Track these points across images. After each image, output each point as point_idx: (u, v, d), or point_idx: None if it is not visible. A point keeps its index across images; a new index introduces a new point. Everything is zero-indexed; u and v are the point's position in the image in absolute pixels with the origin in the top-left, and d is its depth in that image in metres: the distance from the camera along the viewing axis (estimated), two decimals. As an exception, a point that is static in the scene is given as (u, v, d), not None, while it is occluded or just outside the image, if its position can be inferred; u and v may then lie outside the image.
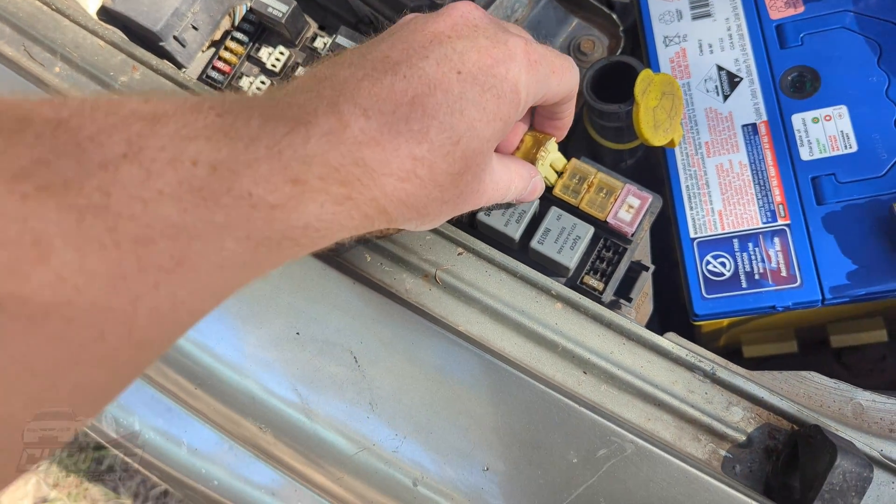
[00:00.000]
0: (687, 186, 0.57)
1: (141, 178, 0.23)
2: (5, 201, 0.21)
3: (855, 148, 0.54)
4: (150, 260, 0.23)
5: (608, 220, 0.48)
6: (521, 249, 0.50)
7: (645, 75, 0.51)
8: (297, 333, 0.45)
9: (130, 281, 0.23)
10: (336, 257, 0.47)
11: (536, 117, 0.47)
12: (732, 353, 0.70)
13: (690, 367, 0.45)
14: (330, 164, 0.29)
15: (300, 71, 0.60)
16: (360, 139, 0.30)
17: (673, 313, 0.61)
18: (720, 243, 0.54)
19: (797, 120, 0.56)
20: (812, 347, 0.68)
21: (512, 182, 0.43)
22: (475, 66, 0.34)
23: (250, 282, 0.29)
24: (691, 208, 0.56)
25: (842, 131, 0.54)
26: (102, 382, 0.24)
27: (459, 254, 0.48)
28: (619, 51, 0.61)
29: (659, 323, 0.68)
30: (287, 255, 0.29)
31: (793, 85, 0.57)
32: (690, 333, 0.62)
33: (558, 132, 0.48)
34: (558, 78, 0.39)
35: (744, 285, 0.53)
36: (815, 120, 0.55)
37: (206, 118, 0.26)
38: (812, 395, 0.45)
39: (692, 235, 0.55)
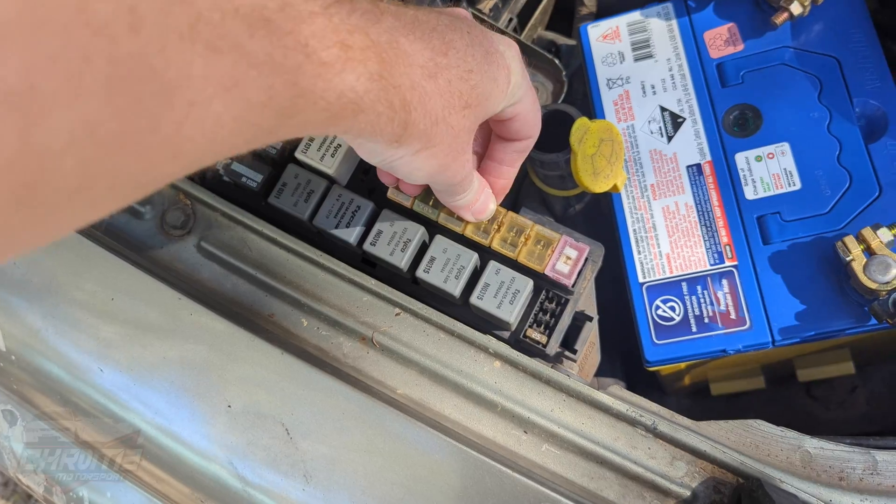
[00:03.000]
0: (634, 230, 0.56)
1: None
2: None
3: (799, 185, 0.53)
4: (214, 70, 0.24)
5: (546, 271, 0.48)
6: (465, 305, 0.49)
7: (580, 123, 0.51)
8: (229, 406, 0.44)
9: (194, 83, 0.23)
10: (270, 326, 0.47)
11: (482, 172, 0.47)
12: (700, 392, 0.69)
13: (632, 423, 0.44)
14: (371, 38, 0.31)
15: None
16: (395, 27, 0.33)
17: (639, 360, 0.60)
18: (669, 287, 0.54)
19: (741, 159, 0.55)
20: (780, 382, 0.67)
21: (474, 177, 0.44)
22: (480, 37, 0.38)
23: (275, 140, 0.30)
24: (639, 252, 0.55)
25: (785, 169, 0.54)
26: (136, 174, 0.24)
27: (397, 314, 0.47)
28: (563, 96, 0.61)
29: (624, 369, 0.67)
30: (311, 123, 0.30)
31: (735, 123, 0.57)
32: (656, 377, 0.62)
33: (502, 181, 0.47)
34: (532, 101, 0.42)
35: (693, 329, 0.52)
36: (759, 158, 0.55)
37: None
38: (759, 444, 0.44)
39: (641, 280, 0.55)
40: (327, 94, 0.29)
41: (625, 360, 0.69)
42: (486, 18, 0.60)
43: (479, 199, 0.46)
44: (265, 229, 0.50)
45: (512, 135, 0.43)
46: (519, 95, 0.41)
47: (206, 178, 0.53)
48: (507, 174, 0.47)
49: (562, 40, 0.71)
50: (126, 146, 0.22)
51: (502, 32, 0.61)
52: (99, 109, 0.21)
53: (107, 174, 0.22)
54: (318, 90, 0.28)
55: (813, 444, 0.44)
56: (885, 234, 0.48)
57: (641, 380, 0.68)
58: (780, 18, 0.55)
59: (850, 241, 0.48)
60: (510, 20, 0.67)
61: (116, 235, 0.52)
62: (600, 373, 0.61)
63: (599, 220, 0.64)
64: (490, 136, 0.46)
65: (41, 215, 0.22)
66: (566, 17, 0.78)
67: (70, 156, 0.21)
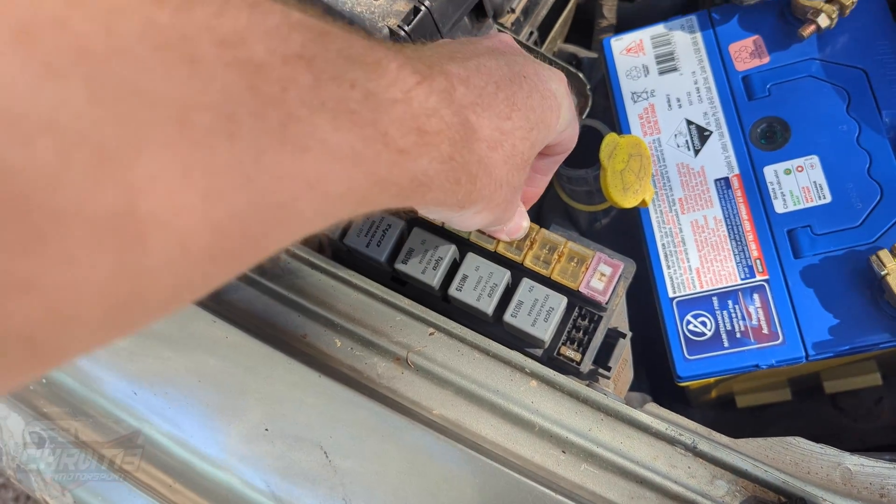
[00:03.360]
0: (663, 245, 0.56)
1: (311, 84, 0.24)
2: (213, 66, 0.20)
3: (829, 198, 0.53)
4: (302, 169, 0.23)
5: (580, 289, 0.47)
6: (497, 322, 0.49)
7: (610, 139, 0.51)
8: (266, 430, 0.44)
9: (283, 185, 0.23)
10: (304, 347, 0.46)
11: None
12: (726, 404, 0.69)
13: (671, 441, 0.44)
14: (445, 121, 0.31)
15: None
16: (464, 103, 0.33)
17: (664, 372, 0.60)
18: (699, 302, 0.54)
19: (769, 172, 0.55)
20: (806, 394, 0.67)
21: (519, 206, 0.45)
22: (535, 77, 0.38)
23: (345, 219, 0.30)
24: (668, 267, 0.55)
25: (815, 182, 0.54)
26: (213, 281, 0.23)
27: (431, 334, 0.47)
28: (588, 110, 0.61)
29: (649, 382, 0.67)
30: (385, 203, 0.30)
31: (763, 136, 0.57)
32: (681, 390, 0.61)
33: (535, 189, 0.48)
34: (575, 122, 0.42)
35: (725, 344, 0.52)
36: (788, 171, 0.55)
37: (361, 46, 0.27)
38: (798, 461, 0.44)
39: (671, 295, 0.54)
40: (401, 179, 0.29)
41: (650, 373, 0.68)
42: (508, 32, 0.60)
43: (513, 220, 0.46)
44: (295, 249, 0.50)
45: (552, 153, 0.44)
46: (566, 125, 0.41)
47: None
48: (541, 182, 0.47)
49: (583, 53, 0.71)
50: (215, 258, 0.22)
51: (526, 47, 0.61)
52: (195, 225, 0.20)
53: (194, 285, 0.22)
54: (393, 177, 0.28)
55: (853, 461, 0.44)
56: (919, 248, 0.48)
57: (666, 392, 0.68)
58: (808, 31, 0.55)
59: (884, 254, 0.48)
60: (531, 33, 0.67)
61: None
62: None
63: (624, 233, 0.63)
64: None
65: (129, 328, 0.21)
66: (584, 29, 0.78)
67: (165, 274, 0.20)
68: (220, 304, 0.49)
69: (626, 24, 0.72)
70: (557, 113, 0.38)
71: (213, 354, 0.46)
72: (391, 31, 0.47)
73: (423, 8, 0.47)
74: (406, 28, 0.46)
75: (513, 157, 0.36)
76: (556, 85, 0.39)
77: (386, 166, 0.27)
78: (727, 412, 0.71)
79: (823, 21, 0.55)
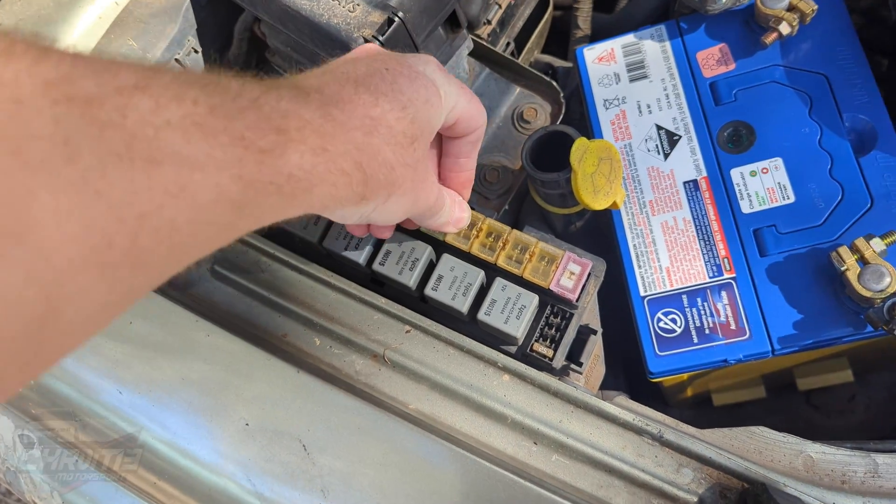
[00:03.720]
0: (634, 245, 0.58)
1: (151, 107, 0.26)
2: (40, 102, 0.23)
3: (793, 199, 0.55)
4: (158, 181, 0.25)
5: (551, 287, 0.49)
6: (472, 321, 0.51)
7: (580, 144, 0.52)
8: (247, 424, 0.45)
9: (140, 197, 0.25)
10: (284, 345, 0.48)
11: (442, 171, 0.49)
12: (703, 403, 0.70)
13: (639, 431, 0.45)
14: (304, 118, 0.33)
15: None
16: (322, 101, 0.35)
17: (643, 373, 0.61)
18: (670, 300, 0.55)
19: (736, 174, 0.57)
20: (781, 391, 0.69)
21: (443, 193, 0.46)
22: (399, 66, 0.40)
23: (238, 234, 0.31)
24: (639, 266, 0.57)
25: (779, 183, 0.56)
26: (102, 296, 0.25)
27: (407, 332, 0.49)
28: (561, 116, 0.62)
29: (626, 381, 0.68)
30: (269, 208, 0.32)
31: (729, 140, 0.59)
32: (660, 390, 0.63)
33: (464, 189, 0.49)
34: (467, 98, 0.44)
35: (695, 340, 0.54)
36: (753, 173, 0.57)
37: (196, 75, 0.30)
38: (762, 450, 0.46)
39: (642, 294, 0.56)
40: (276, 178, 0.31)
41: (628, 373, 0.70)
42: (484, 43, 0.62)
43: (454, 210, 0.48)
44: (277, 252, 0.51)
45: (460, 133, 0.45)
46: (453, 101, 0.42)
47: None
48: (468, 166, 0.48)
49: (558, 63, 0.73)
50: (85, 268, 0.23)
51: (500, 56, 0.63)
52: (52, 238, 0.22)
53: (71, 300, 0.24)
54: (264, 177, 0.30)
55: (815, 449, 0.46)
56: (877, 244, 0.50)
57: (645, 393, 0.69)
58: (770, 38, 0.57)
59: (844, 251, 0.50)
60: (507, 44, 0.69)
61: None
62: (604, 385, 0.62)
63: (599, 236, 0.65)
64: (440, 136, 0.48)
65: (39, 354, 0.23)
66: (561, 40, 0.80)
67: (29, 289, 0.22)
68: (202, 305, 0.51)
69: (601, 34, 0.74)
70: (435, 89, 0.40)
71: (196, 353, 0.48)
72: (366, 41, 0.49)
73: (396, 19, 0.49)
74: (380, 38, 0.48)
75: (393, 137, 0.37)
76: (424, 66, 0.41)
77: (252, 166, 0.29)
78: (704, 411, 0.73)
79: (785, 28, 0.57)
